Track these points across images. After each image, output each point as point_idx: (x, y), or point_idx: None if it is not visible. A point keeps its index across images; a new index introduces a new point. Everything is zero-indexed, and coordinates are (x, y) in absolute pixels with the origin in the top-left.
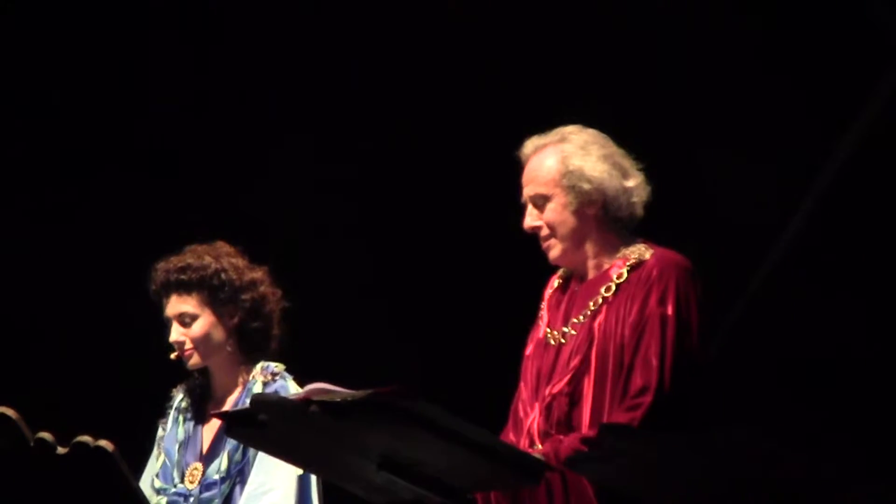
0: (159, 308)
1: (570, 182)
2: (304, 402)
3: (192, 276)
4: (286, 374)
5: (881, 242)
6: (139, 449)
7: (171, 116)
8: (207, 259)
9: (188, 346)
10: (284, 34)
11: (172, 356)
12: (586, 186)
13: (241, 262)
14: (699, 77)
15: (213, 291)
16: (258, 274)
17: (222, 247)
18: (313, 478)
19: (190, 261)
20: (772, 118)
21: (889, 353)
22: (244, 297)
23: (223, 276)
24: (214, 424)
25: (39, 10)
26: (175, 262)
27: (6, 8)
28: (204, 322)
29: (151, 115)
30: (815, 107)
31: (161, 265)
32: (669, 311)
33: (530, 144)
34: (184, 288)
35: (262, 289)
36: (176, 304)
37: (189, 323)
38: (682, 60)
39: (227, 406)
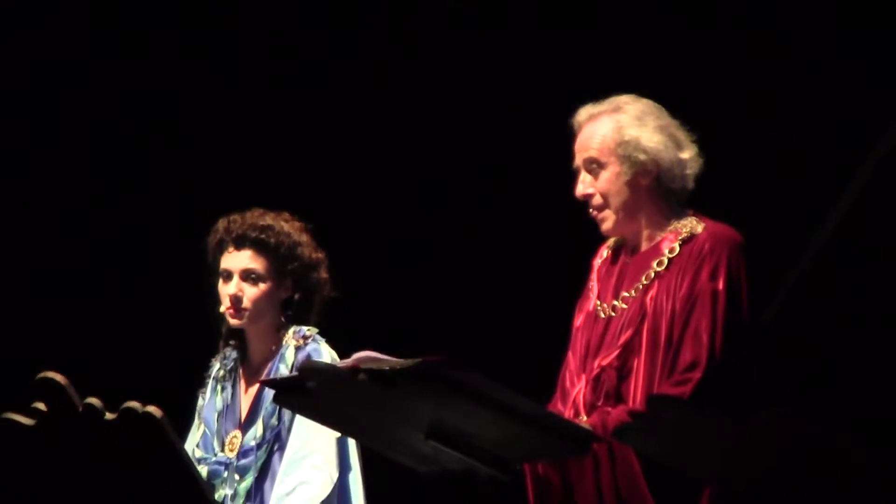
0: (214, 258)
1: (626, 152)
2: (353, 370)
3: (272, 239)
4: (318, 338)
5: None
6: (185, 417)
7: (215, 97)
8: (286, 227)
9: (244, 303)
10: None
11: (222, 309)
12: (642, 157)
13: (309, 238)
14: (739, 54)
15: (284, 261)
16: (321, 256)
17: (293, 219)
18: (352, 440)
19: (271, 222)
20: (813, 95)
21: None
22: (309, 275)
23: (298, 249)
24: (252, 392)
25: None
26: (256, 217)
27: None
28: (265, 286)
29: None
30: (860, 83)
31: (237, 217)
32: (721, 286)
33: (584, 112)
34: (260, 247)
35: (322, 272)
36: (247, 260)
37: (253, 281)
38: (722, 37)
39: (265, 373)
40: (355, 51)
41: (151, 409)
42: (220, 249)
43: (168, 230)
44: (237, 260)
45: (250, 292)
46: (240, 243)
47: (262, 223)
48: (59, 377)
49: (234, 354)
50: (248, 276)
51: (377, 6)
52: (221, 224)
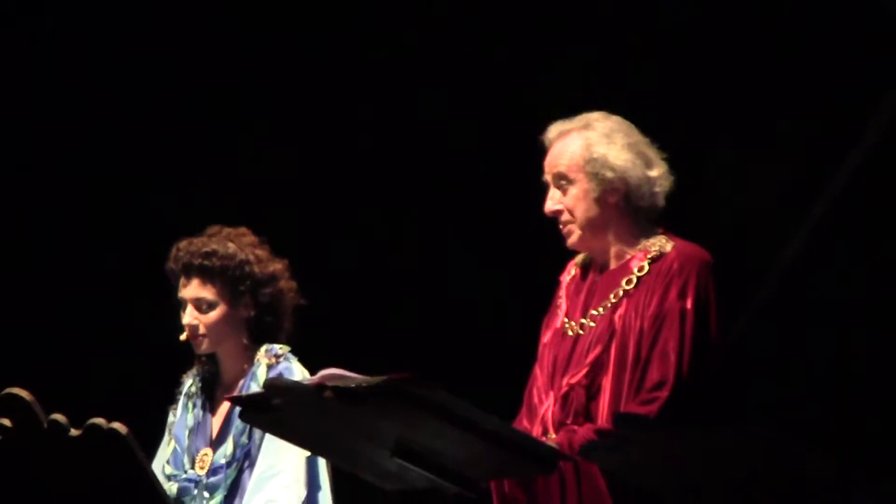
0: (173, 286)
1: (594, 169)
2: (319, 387)
3: (216, 263)
4: (290, 356)
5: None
6: (152, 434)
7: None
8: (232, 248)
9: (201, 331)
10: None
11: (182, 337)
12: (609, 174)
13: (263, 253)
14: (708, 73)
15: (234, 282)
16: (279, 267)
17: (246, 235)
18: (321, 459)
19: (215, 246)
20: (782, 115)
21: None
22: (264, 291)
23: (247, 268)
24: (223, 410)
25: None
26: (200, 244)
27: None
28: (220, 311)
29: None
30: (827, 105)
31: (184, 245)
32: (689, 304)
33: (554, 129)
34: (206, 274)
35: (281, 284)
36: (195, 289)
37: (206, 310)
38: (691, 57)
39: (236, 391)
40: (320, 67)
41: (116, 425)
42: (175, 279)
43: (137, 247)
44: (188, 290)
45: (205, 320)
46: (187, 273)
47: (205, 249)
48: (24, 393)
49: (206, 372)
50: (199, 304)
51: (337, 27)
52: (172, 253)
